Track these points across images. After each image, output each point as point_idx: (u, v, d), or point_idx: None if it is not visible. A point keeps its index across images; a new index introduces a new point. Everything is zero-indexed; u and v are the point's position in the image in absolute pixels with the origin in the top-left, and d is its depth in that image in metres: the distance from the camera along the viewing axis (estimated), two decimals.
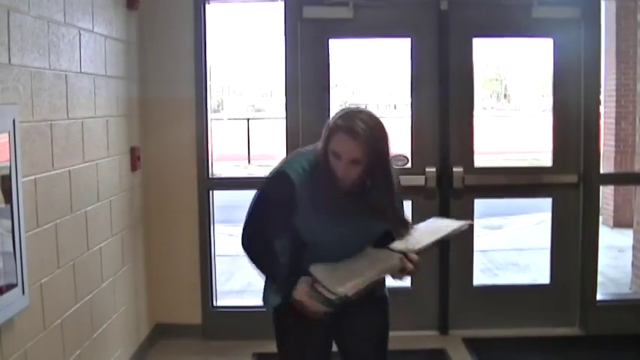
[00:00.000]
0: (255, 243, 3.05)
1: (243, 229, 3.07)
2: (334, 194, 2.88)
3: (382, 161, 2.88)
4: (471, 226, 2.96)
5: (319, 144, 2.93)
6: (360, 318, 3.13)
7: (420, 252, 2.90)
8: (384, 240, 2.99)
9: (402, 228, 3.00)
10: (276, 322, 3.21)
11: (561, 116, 5.54)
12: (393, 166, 2.96)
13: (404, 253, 2.88)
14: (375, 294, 3.09)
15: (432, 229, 3.05)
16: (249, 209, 3.08)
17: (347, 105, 3.09)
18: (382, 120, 2.89)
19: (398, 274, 2.91)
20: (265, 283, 3.20)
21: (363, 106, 2.98)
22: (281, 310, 3.13)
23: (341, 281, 2.81)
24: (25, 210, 3.20)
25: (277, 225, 2.99)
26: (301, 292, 2.89)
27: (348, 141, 2.80)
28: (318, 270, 2.87)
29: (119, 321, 4.65)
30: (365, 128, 2.80)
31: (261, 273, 3.12)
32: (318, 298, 2.83)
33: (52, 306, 3.56)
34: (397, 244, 2.91)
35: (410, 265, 2.87)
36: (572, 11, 5.39)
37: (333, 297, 2.79)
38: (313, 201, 2.89)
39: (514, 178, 5.68)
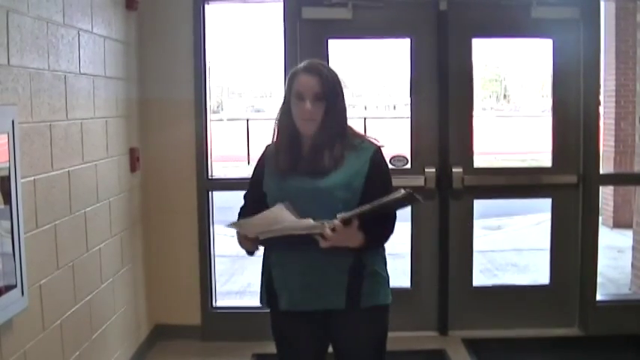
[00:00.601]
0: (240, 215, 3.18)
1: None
2: (295, 150, 3.03)
3: (339, 103, 3.02)
4: (412, 195, 2.78)
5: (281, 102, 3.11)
6: (347, 326, 3.10)
7: (350, 218, 2.77)
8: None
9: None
10: (272, 325, 3.22)
11: (561, 117, 5.54)
12: (346, 111, 3.08)
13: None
14: (360, 303, 3.05)
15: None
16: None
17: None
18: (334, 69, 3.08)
19: (319, 238, 2.79)
20: (261, 281, 3.20)
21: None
22: (275, 314, 3.15)
23: (253, 227, 2.88)
24: (24, 211, 3.20)
25: (254, 192, 3.17)
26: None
27: (307, 78, 2.97)
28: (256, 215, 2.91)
29: (118, 322, 4.65)
30: (318, 63, 3.04)
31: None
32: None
33: (51, 307, 3.56)
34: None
35: (328, 232, 2.75)
36: (572, 11, 5.39)
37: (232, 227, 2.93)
38: (275, 163, 3.06)
39: (514, 179, 5.68)
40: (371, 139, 3.10)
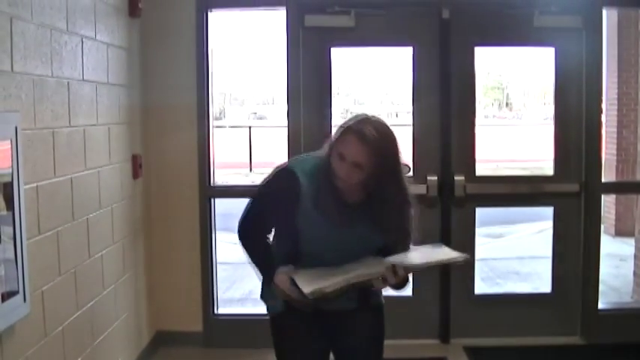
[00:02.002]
0: (251, 234, 3.10)
1: (242, 220, 3.11)
2: (337, 200, 2.89)
3: (390, 172, 2.88)
4: (467, 260, 2.93)
5: (326, 148, 2.95)
6: (355, 325, 3.13)
7: (410, 270, 2.90)
8: (381, 254, 2.97)
9: (402, 245, 2.99)
10: (273, 327, 3.23)
11: (563, 125, 5.54)
12: (406, 182, 2.97)
13: (393, 266, 2.84)
14: (371, 301, 3.09)
15: (430, 252, 3.03)
16: (249, 202, 3.13)
17: (352, 113, 3.09)
18: (394, 132, 2.89)
19: (378, 282, 2.84)
20: (262, 282, 3.19)
21: (377, 115, 2.97)
22: (277, 315, 3.16)
23: (312, 282, 2.82)
24: (26, 217, 3.20)
25: (279, 217, 3.02)
26: (281, 278, 2.93)
27: (354, 143, 2.80)
28: (300, 271, 2.91)
29: (120, 328, 4.65)
30: (375, 134, 2.80)
31: (250, 261, 3.13)
32: (295, 291, 2.85)
33: (53, 313, 3.56)
34: (391, 257, 2.89)
35: (393, 277, 2.81)
36: (574, 20, 5.40)
37: (307, 294, 2.80)
38: (315, 202, 2.90)
39: (516, 187, 5.68)
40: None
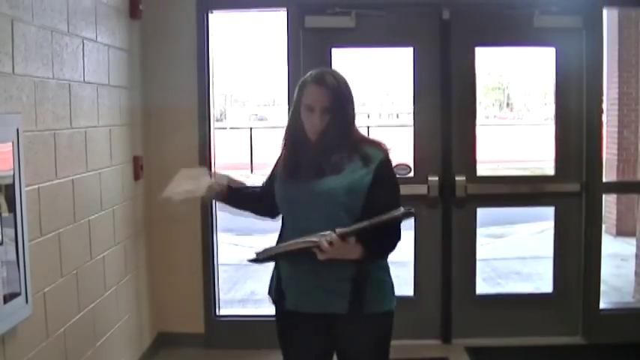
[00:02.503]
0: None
1: None
2: (294, 158, 3.07)
3: (347, 112, 3.02)
4: (410, 213, 2.84)
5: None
6: (356, 332, 3.11)
7: (348, 234, 2.79)
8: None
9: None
10: (278, 329, 3.23)
11: (564, 125, 5.55)
12: (354, 117, 3.09)
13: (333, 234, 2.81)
14: (364, 308, 3.03)
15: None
16: None
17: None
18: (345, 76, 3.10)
19: (317, 251, 2.79)
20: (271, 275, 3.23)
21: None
22: (281, 312, 3.17)
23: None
24: (28, 219, 3.21)
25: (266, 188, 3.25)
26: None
27: (319, 90, 2.97)
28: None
29: (122, 330, 4.66)
30: (333, 79, 3.00)
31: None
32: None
33: (55, 315, 3.56)
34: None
35: (325, 245, 2.76)
36: (574, 20, 5.40)
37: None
38: (280, 168, 3.13)
39: (516, 187, 5.68)
40: (380, 144, 3.08)
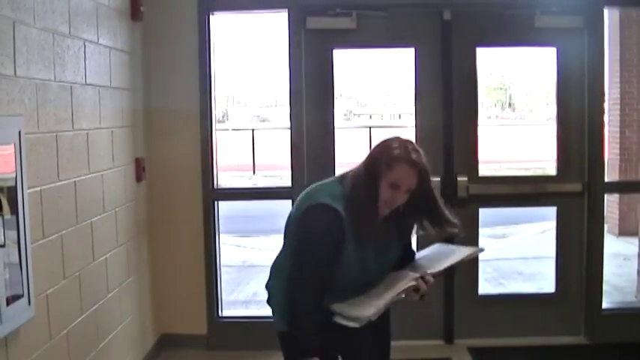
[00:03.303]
0: (311, 309, 2.91)
1: (300, 291, 2.92)
2: (375, 226, 2.94)
3: (427, 186, 3.03)
4: (481, 250, 3.07)
5: (354, 173, 3.01)
6: (366, 335, 3.13)
7: (435, 275, 2.97)
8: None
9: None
10: (283, 347, 3.18)
11: (565, 125, 5.55)
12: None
13: (421, 276, 2.95)
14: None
15: (444, 253, 3.16)
16: (305, 251, 2.96)
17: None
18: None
19: (412, 295, 2.94)
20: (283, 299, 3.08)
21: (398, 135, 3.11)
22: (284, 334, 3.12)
23: (359, 306, 2.88)
24: (30, 221, 3.21)
25: (332, 263, 2.93)
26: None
27: (407, 171, 2.90)
28: (336, 305, 2.94)
29: (124, 332, 4.66)
30: (420, 157, 2.95)
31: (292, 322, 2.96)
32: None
33: (57, 317, 3.57)
34: (409, 268, 3.03)
35: (424, 286, 2.91)
36: (576, 20, 5.40)
37: (352, 323, 2.85)
38: (355, 234, 2.91)
39: (518, 187, 5.68)
40: None
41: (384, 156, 2.93)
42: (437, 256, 3.11)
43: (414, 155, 2.91)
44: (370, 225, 2.92)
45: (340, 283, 2.95)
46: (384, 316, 3.14)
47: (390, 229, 3.02)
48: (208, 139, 5.43)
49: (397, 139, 3.00)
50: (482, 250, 3.07)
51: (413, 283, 2.89)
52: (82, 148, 3.97)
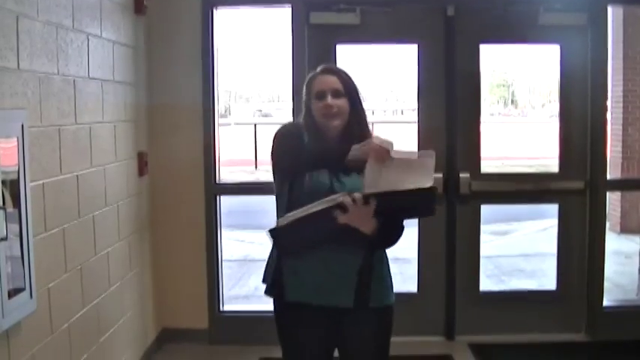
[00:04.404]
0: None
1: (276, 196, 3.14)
2: (319, 144, 3.06)
3: (359, 100, 3.11)
4: (434, 193, 2.84)
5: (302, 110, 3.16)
6: (358, 327, 3.11)
7: (369, 197, 2.77)
8: None
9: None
10: (277, 325, 3.22)
11: (568, 122, 5.54)
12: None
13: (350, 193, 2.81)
14: (369, 301, 3.05)
15: (404, 173, 2.85)
16: (272, 164, 3.14)
17: None
18: None
19: (338, 212, 2.78)
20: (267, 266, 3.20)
21: None
22: (280, 314, 3.18)
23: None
24: (32, 214, 3.22)
25: (295, 165, 3.04)
26: None
27: (327, 77, 3.08)
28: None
29: (126, 325, 4.67)
30: (340, 70, 3.17)
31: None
32: None
33: (59, 310, 3.57)
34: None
35: (348, 200, 2.75)
36: (579, 17, 5.39)
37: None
38: (314, 152, 3.04)
39: (521, 184, 5.68)
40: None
41: (306, 81, 3.15)
42: (395, 175, 2.83)
43: (334, 67, 3.22)
44: (319, 141, 3.05)
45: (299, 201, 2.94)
46: (382, 312, 3.13)
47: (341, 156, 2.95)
48: (211, 134, 5.43)
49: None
50: (434, 186, 2.86)
51: (339, 198, 2.76)
52: (85, 142, 3.97)
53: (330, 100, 3.01)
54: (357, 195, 2.77)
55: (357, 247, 2.97)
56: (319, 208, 2.78)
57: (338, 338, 3.18)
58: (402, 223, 3.04)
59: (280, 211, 3.02)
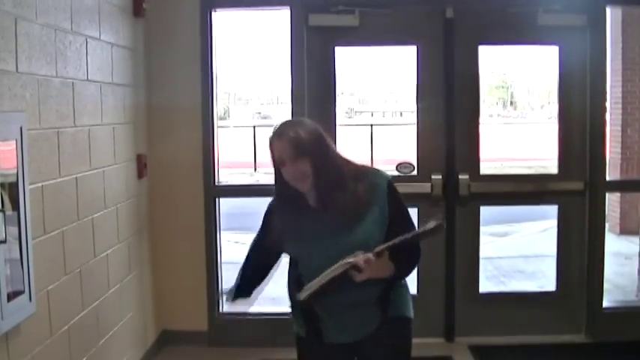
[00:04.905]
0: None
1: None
2: (299, 210, 2.99)
3: (323, 156, 2.93)
4: (441, 226, 2.85)
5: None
6: (384, 334, 3.11)
7: (381, 252, 2.82)
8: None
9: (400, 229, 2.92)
10: (297, 350, 3.25)
11: (567, 123, 5.54)
12: (339, 162, 3.00)
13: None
14: (389, 311, 3.07)
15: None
16: None
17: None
18: (313, 123, 3.04)
19: (353, 272, 2.80)
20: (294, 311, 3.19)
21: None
22: (301, 339, 3.18)
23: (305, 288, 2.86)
24: (31, 217, 3.22)
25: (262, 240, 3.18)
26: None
27: (280, 144, 2.91)
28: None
29: (125, 328, 4.66)
30: (290, 131, 2.93)
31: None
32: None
33: (58, 313, 3.57)
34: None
35: (360, 262, 2.77)
36: (578, 18, 5.39)
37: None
38: (284, 222, 3.03)
39: (520, 186, 5.68)
40: (377, 170, 3.09)
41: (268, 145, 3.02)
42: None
43: (283, 129, 2.95)
44: (290, 211, 3.02)
45: (303, 267, 3.03)
46: (398, 325, 3.17)
47: (334, 214, 2.92)
48: (210, 136, 5.42)
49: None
50: (439, 222, 2.88)
51: (352, 259, 2.78)
52: (84, 145, 3.97)
53: (292, 168, 2.90)
54: (370, 256, 2.79)
55: (375, 283, 2.96)
56: (335, 274, 2.81)
57: (359, 352, 3.17)
58: (419, 245, 3.03)
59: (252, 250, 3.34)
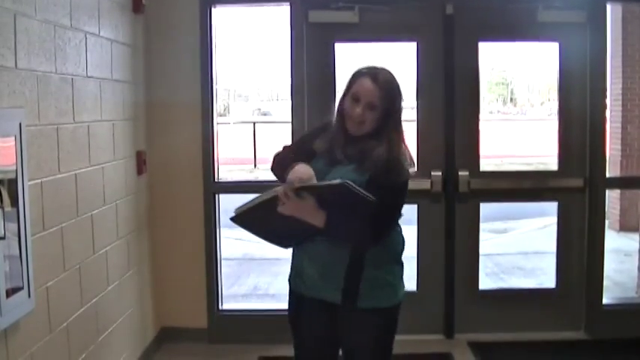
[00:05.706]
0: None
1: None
2: (337, 142, 3.08)
3: (395, 116, 3.06)
4: (345, 187, 2.85)
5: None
6: (356, 324, 3.12)
7: (303, 188, 2.87)
8: None
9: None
10: (288, 314, 3.35)
11: (567, 120, 5.54)
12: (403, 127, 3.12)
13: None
14: (357, 300, 3.06)
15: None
16: None
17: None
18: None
19: (280, 204, 2.90)
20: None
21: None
22: (290, 302, 3.31)
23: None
24: (31, 213, 3.21)
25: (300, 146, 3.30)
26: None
27: (368, 84, 3.00)
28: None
29: (125, 324, 4.66)
30: (386, 77, 3.04)
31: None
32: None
33: (57, 309, 3.57)
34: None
35: (280, 192, 2.87)
36: (578, 15, 5.39)
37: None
38: (321, 149, 3.13)
39: (520, 182, 5.68)
40: (408, 163, 3.14)
41: (353, 73, 3.11)
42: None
43: (380, 73, 3.03)
44: (331, 140, 3.11)
45: None
46: (382, 313, 3.14)
47: (355, 150, 3.04)
48: (209, 133, 5.42)
49: (375, 65, 3.14)
50: (342, 183, 2.78)
51: (278, 189, 2.90)
52: (83, 141, 3.97)
53: (360, 109, 3.00)
54: (286, 187, 2.88)
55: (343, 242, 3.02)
56: (263, 198, 2.93)
57: (337, 335, 3.21)
58: (357, 223, 2.93)
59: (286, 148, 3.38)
